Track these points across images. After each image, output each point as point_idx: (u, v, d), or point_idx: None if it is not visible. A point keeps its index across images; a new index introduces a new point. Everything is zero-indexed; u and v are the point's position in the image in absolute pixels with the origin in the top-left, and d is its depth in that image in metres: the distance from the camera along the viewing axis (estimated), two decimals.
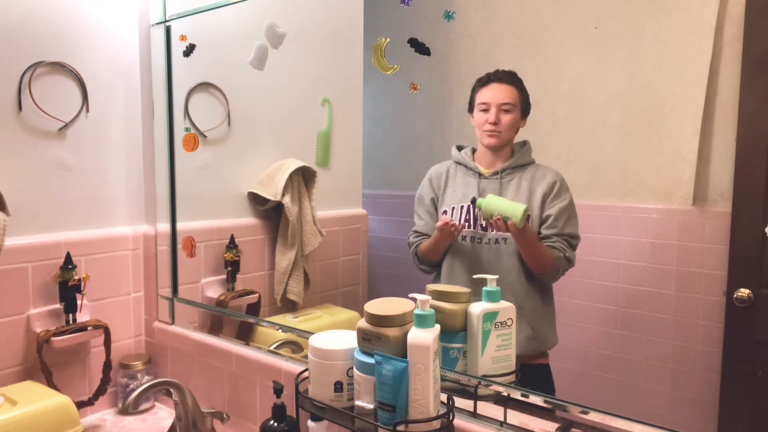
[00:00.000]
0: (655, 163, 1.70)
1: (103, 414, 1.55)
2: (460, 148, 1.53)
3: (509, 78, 1.45)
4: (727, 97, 1.58)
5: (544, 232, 1.39)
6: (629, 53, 1.71)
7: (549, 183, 1.41)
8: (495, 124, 1.42)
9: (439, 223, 1.44)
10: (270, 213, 1.77)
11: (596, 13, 1.74)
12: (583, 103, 1.78)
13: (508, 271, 1.40)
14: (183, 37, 1.56)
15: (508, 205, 1.33)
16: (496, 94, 1.43)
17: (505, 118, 1.42)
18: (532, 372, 1.41)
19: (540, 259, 1.38)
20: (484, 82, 1.46)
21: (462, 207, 1.48)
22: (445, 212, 1.49)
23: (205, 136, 1.66)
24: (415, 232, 1.56)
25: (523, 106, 1.44)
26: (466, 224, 1.46)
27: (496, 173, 1.45)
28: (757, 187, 1.51)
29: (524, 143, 1.47)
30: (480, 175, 1.47)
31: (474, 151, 1.50)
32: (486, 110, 1.44)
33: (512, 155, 1.46)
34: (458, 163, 1.51)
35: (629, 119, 1.72)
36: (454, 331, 1.01)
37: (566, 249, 1.38)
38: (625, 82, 1.72)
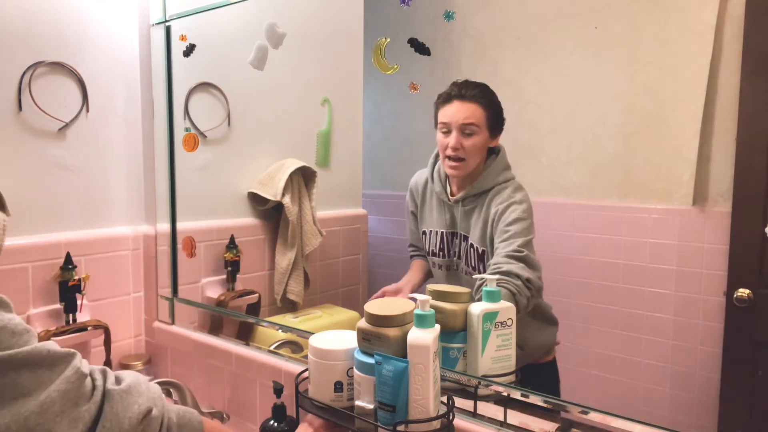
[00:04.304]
0: (655, 163, 1.70)
1: None
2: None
3: (473, 93, 1.27)
4: (727, 97, 1.58)
5: (491, 262, 1.23)
6: (629, 53, 1.71)
7: (492, 213, 1.27)
8: (456, 149, 1.27)
9: (374, 297, 1.35)
10: (270, 213, 1.77)
11: (596, 13, 1.74)
12: (583, 103, 1.78)
13: None
14: (183, 37, 1.56)
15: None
16: (456, 113, 1.27)
17: (468, 143, 1.27)
18: (537, 370, 1.39)
19: None
20: (445, 99, 1.30)
21: (437, 233, 1.39)
22: (424, 233, 1.44)
23: (205, 136, 1.66)
24: (409, 242, 1.55)
25: (492, 125, 1.28)
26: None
27: (458, 201, 1.34)
28: (757, 187, 1.51)
29: (497, 155, 1.32)
30: (446, 201, 1.37)
31: None
32: (447, 132, 1.29)
33: (480, 174, 1.31)
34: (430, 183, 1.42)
35: (629, 119, 1.72)
36: (454, 331, 1.01)
37: (512, 273, 1.16)
38: (625, 82, 1.72)
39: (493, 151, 1.34)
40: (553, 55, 1.82)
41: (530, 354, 1.37)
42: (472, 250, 1.33)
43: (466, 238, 1.36)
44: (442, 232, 1.39)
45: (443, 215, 1.39)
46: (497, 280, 1.11)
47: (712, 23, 1.58)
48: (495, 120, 1.29)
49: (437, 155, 1.41)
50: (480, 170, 1.32)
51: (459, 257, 1.38)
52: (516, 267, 1.18)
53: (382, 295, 1.37)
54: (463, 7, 1.95)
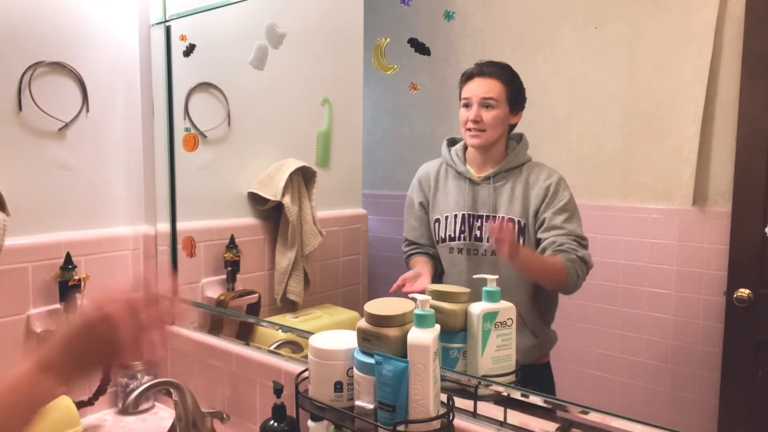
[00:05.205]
0: (655, 163, 1.70)
1: (103, 414, 1.55)
2: (453, 142, 1.45)
3: (493, 71, 1.34)
4: (727, 97, 1.58)
5: (543, 235, 1.29)
6: (629, 53, 1.71)
7: (543, 188, 1.31)
8: (476, 122, 1.33)
9: (396, 285, 1.35)
10: (270, 213, 1.77)
11: (596, 13, 1.74)
12: (583, 103, 1.78)
13: (507, 281, 1.31)
14: (183, 37, 1.56)
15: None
16: (477, 88, 1.34)
17: (488, 115, 1.32)
18: (533, 371, 1.39)
19: (550, 272, 1.27)
20: (467, 77, 1.37)
21: (456, 216, 1.39)
22: (437, 221, 1.43)
23: (205, 136, 1.66)
24: (406, 240, 1.50)
25: (512, 100, 1.34)
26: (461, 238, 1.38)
27: (488, 178, 1.37)
28: (757, 187, 1.51)
29: (521, 137, 1.38)
30: (471, 180, 1.38)
31: (467, 148, 1.42)
32: (468, 106, 1.35)
33: (506, 154, 1.37)
34: (449, 164, 1.45)
35: (629, 119, 1.72)
36: (454, 331, 1.02)
37: (576, 248, 1.26)
38: (625, 82, 1.72)
39: (513, 138, 1.38)
40: (553, 55, 1.81)
41: (541, 345, 1.39)
42: (511, 225, 1.32)
43: (491, 217, 1.35)
44: (462, 215, 1.39)
45: (463, 196, 1.39)
46: (572, 261, 1.26)
47: (712, 23, 1.58)
48: (515, 96, 1.34)
49: (449, 143, 1.46)
50: (502, 151, 1.37)
51: (479, 239, 1.37)
52: (586, 254, 1.29)
53: (403, 283, 1.35)
54: (463, 7, 1.95)
